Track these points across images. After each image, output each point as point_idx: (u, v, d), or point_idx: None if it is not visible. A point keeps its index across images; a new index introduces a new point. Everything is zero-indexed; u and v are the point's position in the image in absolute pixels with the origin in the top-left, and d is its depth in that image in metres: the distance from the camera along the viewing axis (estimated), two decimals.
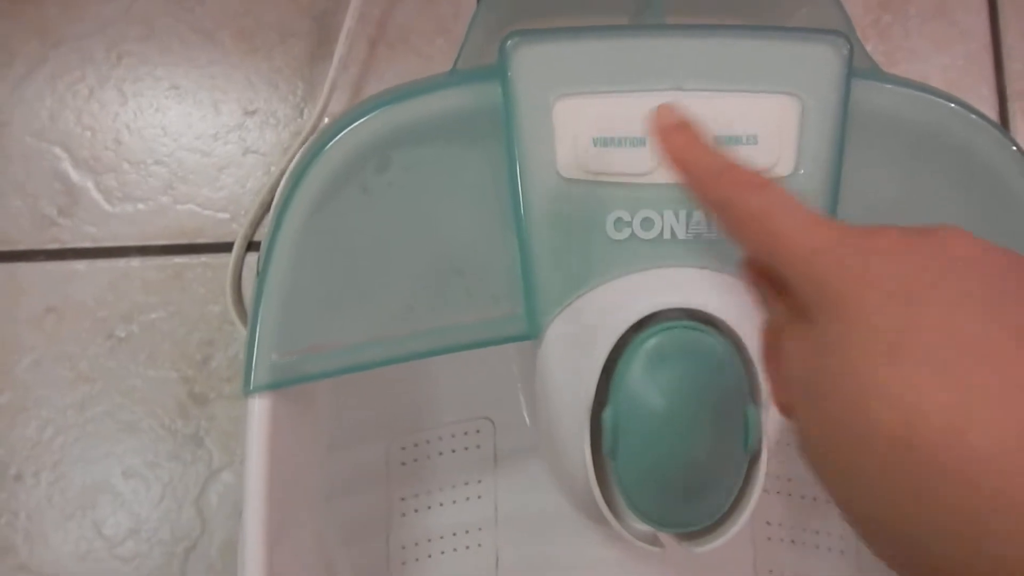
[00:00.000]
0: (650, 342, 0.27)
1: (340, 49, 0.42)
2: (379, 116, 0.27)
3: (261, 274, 0.27)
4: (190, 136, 0.45)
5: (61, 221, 0.43)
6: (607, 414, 0.27)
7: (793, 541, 0.38)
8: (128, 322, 0.43)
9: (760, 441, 0.27)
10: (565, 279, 0.27)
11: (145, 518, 0.42)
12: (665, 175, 0.27)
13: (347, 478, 0.36)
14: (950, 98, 0.28)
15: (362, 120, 0.27)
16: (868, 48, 0.47)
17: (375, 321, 0.27)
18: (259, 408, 0.27)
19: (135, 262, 0.44)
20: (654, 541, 0.28)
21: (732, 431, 0.27)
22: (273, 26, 0.45)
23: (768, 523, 0.38)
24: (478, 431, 0.38)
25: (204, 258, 0.44)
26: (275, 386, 0.27)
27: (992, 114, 0.47)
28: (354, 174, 0.27)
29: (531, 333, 0.28)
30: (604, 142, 0.27)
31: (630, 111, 0.27)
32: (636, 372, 0.27)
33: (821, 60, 0.27)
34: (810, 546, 0.38)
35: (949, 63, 0.47)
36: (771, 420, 0.28)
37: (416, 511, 0.37)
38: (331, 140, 0.27)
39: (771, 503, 0.38)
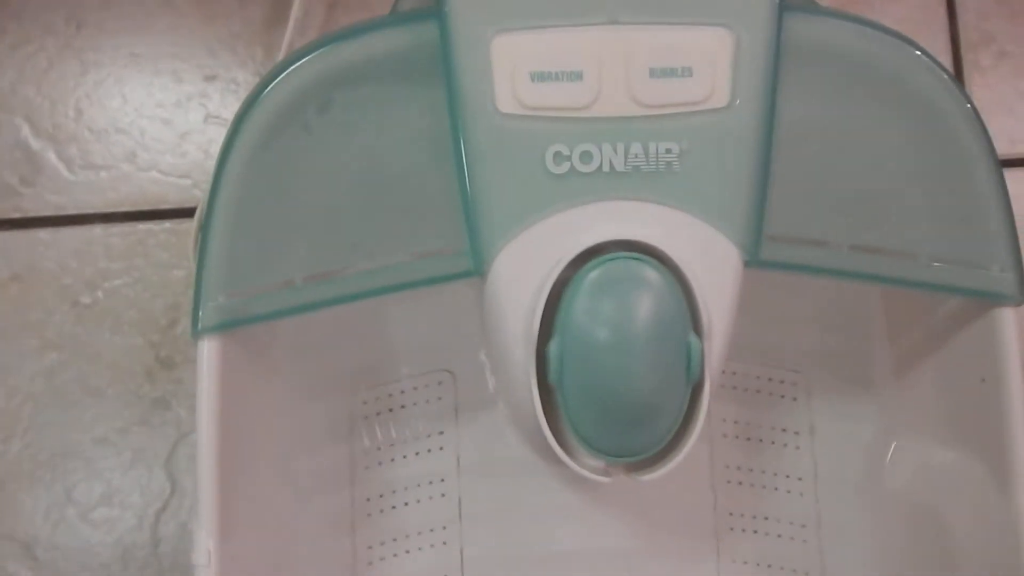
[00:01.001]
0: (592, 273, 0.27)
1: (295, 12, 0.43)
2: (319, 57, 0.27)
3: (206, 216, 0.27)
4: (151, 104, 0.45)
5: (23, 190, 0.44)
6: (552, 345, 0.27)
7: (752, 484, 0.39)
8: (93, 289, 0.43)
9: (702, 371, 0.28)
10: (507, 214, 0.27)
11: (116, 483, 0.42)
12: (603, 108, 0.27)
13: (308, 432, 0.37)
14: (882, 28, 0.29)
15: (302, 62, 0.27)
16: (825, 0, 0.47)
17: (321, 260, 0.28)
18: (208, 350, 0.28)
19: (98, 229, 0.44)
20: (603, 473, 0.29)
21: (674, 360, 0.27)
22: None
23: (727, 466, 0.38)
24: (439, 383, 0.38)
25: (168, 224, 0.44)
26: (223, 327, 0.27)
27: (947, 63, 0.47)
28: (295, 114, 0.27)
29: (476, 269, 0.28)
30: (542, 76, 0.27)
31: (567, 45, 0.27)
32: (579, 303, 0.27)
33: None
34: (769, 488, 0.39)
35: (905, 15, 0.48)
36: (714, 352, 0.28)
37: (379, 464, 0.38)
38: (271, 82, 0.27)
39: (729, 446, 0.38)
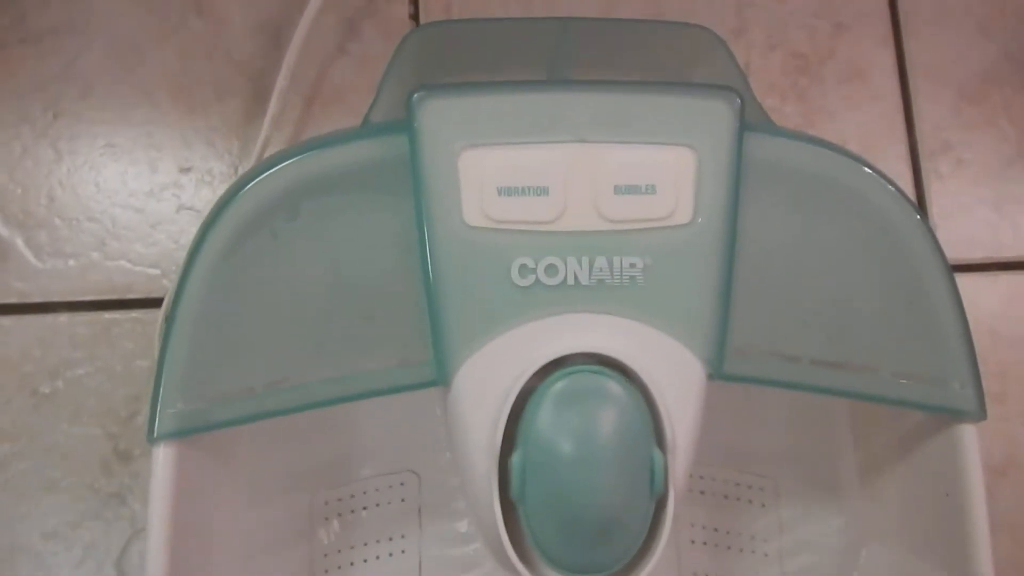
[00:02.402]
0: (555, 386, 0.27)
1: (272, 108, 0.43)
2: (289, 167, 0.28)
3: (168, 319, 0.27)
4: (124, 193, 0.45)
5: None
6: (515, 458, 0.27)
7: None
8: (54, 378, 0.43)
9: (666, 485, 0.28)
10: (472, 325, 0.28)
11: None
12: (568, 223, 0.27)
13: (268, 534, 0.36)
14: (837, 148, 0.29)
15: (272, 170, 0.28)
16: (787, 110, 0.49)
17: (283, 368, 0.27)
18: (162, 457, 0.27)
19: (63, 318, 0.43)
20: None
21: (638, 475, 0.27)
22: (210, 84, 0.46)
23: (695, 574, 0.38)
24: (402, 484, 0.37)
25: (134, 314, 0.44)
26: (180, 434, 0.27)
27: (906, 171, 0.49)
28: (264, 221, 0.27)
29: (440, 380, 0.28)
30: (509, 191, 0.27)
31: (534, 161, 0.28)
32: (542, 416, 0.27)
33: (714, 114, 0.28)
34: None
35: (864, 121, 0.49)
36: (678, 466, 0.28)
37: (339, 567, 0.37)
38: (241, 189, 0.27)
39: (697, 552, 0.38)
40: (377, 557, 0.37)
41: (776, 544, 0.38)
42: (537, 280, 0.28)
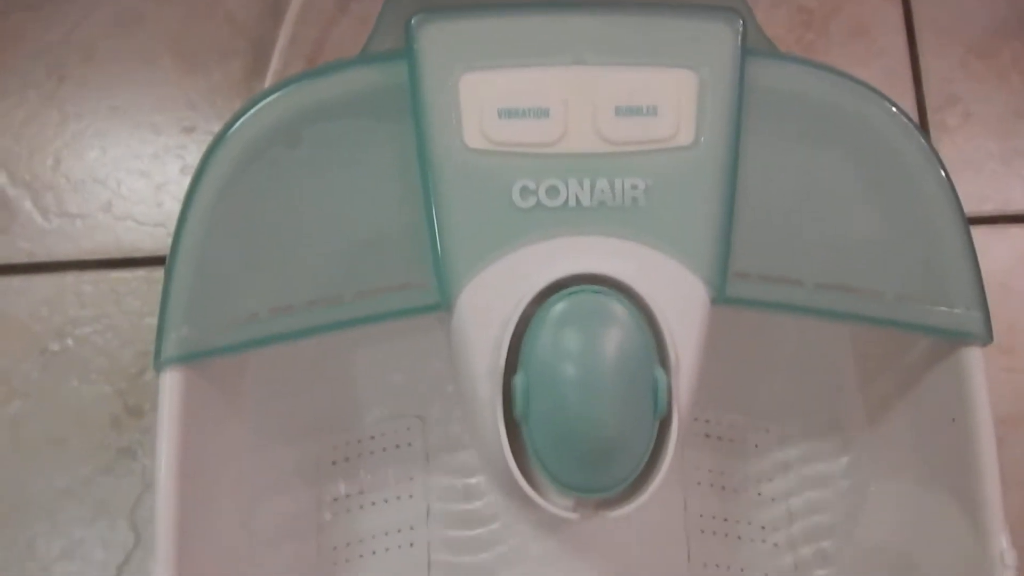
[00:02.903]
0: (557, 307, 0.27)
1: (274, 67, 0.43)
2: (289, 94, 0.28)
3: (172, 248, 0.27)
4: (129, 156, 0.45)
5: None
6: (518, 379, 0.27)
7: (727, 535, 0.38)
8: (62, 337, 0.43)
9: (669, 405, 0.28)
10: (473, 249, 0.28)
11: (78, 536, 0.41)
12: (569, 144, 0.28)
13: (275, 478, 0.36)
14: (840, 72, 0.29)
15: (272, 98, 0.28)
16: None
17: (287, 293, 0.28)
18: (169, 381, 0.27)
19: (71, 277, 0.44)
20: (571, 510, 0.28)
21: (641, 394, 0.27)
22: (212, 46, 0.46)
23: (701, 515, 0.38)
24: (408, 429, 0.37)
25: (141, 272, 0.44)
26: (186, 358, 0.27)
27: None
28: (264, 150, 0.28)
29: (442, 303, 0.28)
30: (509, 113, 0.27)
31: (535, 83, 0.28)
32: (545, 336, 0.27)
33: (716, 36, 0.28)
34: (745, 538, 0.38)
35: (870, 76, 0.49)
36: (682, 387, 0.28)
37: (348, 511, 0.37)
38: (241, 117, 0.27)
39: (704, 495, 0.38)
40: (386, 501, 0.37)
41: (783, 484, 0.38)
42: (538, 202, 0.28)
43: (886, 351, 0.34)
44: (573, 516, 0.28)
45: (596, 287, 0.27)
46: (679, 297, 0.28)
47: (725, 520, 0.38)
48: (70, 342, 0.43)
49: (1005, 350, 0.46)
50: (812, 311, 0.29)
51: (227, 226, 0.27)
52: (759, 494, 0.38)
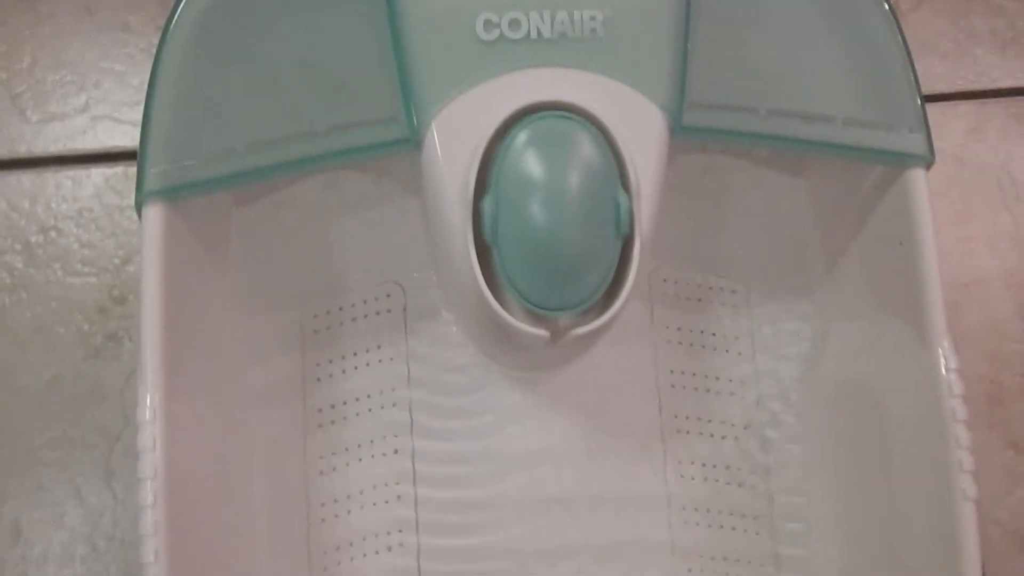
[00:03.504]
0: (523, 132, 0.28)
1: None
2: None
3: (149, 88, 0.28)
4: (103, 56, 0.46)
5: None
6: (486, 202, 0.28)
7: (696, 388, 0.39)
8: (45, 230, 0.44)
9: (631, 226, 0.29)
10: (440, 81, 0.29)
11: (69, 420, 0.42)
12: None
13: (260, 344, 0.37)
14: None
15: None
16: None
17: (262, 127, 0.29)
18: (151, 216, 0.28)
19: (50, 173, 0.44)
20: (541, 331, 0.29)
21: (604, 215, 0.29)
22: None
23: (671, 371, 0.39)
24: (388, 296, 0.39)
25: (119, 168, 0.45)
26: (167, 192, 0.28)
27: None
28: None
29: (412, 137, 0.29)
30: None
31: None
32: (512, 160, 0.28)
33: None
34: (712, 392, 0.40)
35: None
36: (643, 210, 0.30)
37: (331, 376, 0.38)
38: None
39: (673, 351, 0.39)
40: (368, 365, 0.38)
41: (748, 338, 0.40)
42: (501, 35, 0.29)
43: (840, 192, 0.36)
44: (543, 334, 0.29)
45: (559, 113, 0.29)
46: (638, 124, 0.29)
47: (694, 375, 0.40)
48: (53, 235, 0.44)
49: (959, 220, 0.48)
50: (766, 138, 0.31)
51: (202, 64, 0.28)
52: (727, 350, 0.40)
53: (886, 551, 0.34)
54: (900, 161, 0.31)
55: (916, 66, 0.48)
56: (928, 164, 0.31)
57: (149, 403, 0.28)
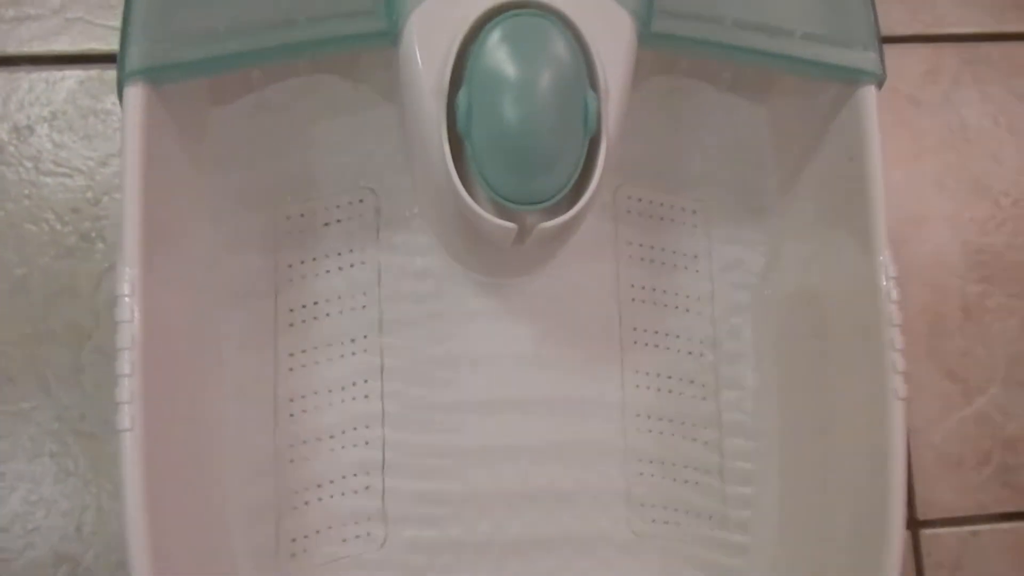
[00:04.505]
0: (498, 28, 0.30)
1: None
2: None
3: None
4: None
5: None
6: (461, 95, 0.30)
7: (655, 303, 0.41)
8: (18, 130, 0.44)
9: (598, 124, 0.30)
10: None
11: (39, 317, 0.43)
12: None
13: (234, 241, 0.38)
14: None
15: None
16: None
17: (243, 11, 0.29)
18: (133, 96, 0.29)
19: (23, 72, 0.44)
20: (509, 223, 0.31)
21: (573, 113, 0.30)
22: None
23: (632, 285, 0.41)
24: (361, 201, 0.40)
25: (94, 71, 0.45)
26: (148, 71, 0.29)
27: None
28: None
29: (389, 29, 0.30)
30: None
31: None
32: (486, 53, 0.29)
33: None
34: (671, 307, 0.41)
35: None
36: (611, 111, 0.31)
37: (303, 277, 0.39)
38: None
39: (634, 266, 0.41)
40: (339, 268, 0.40)
41: (706, 262, 0.41)
42: None
43: (797, 114, 0.37)
44: (511, 226, 0.31)
45: (532, 11, 0.30)
46: (609, 27, 0.31)
47: (654, 290, 0.41)
48: (26, 134, 0.44)
49: (910, 158, 0.50)
50: (730, 48, 0.32)
51: None
52: (685, 267, 0.42)
53: (823, 447, 0.36)
54: (854, 77, 0.33)
55: (877, 10, 0.50)
56: (879, 81, 0.33)
57: (128, 277, 0.28)
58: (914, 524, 0.46)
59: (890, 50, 0.51)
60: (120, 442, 0.28)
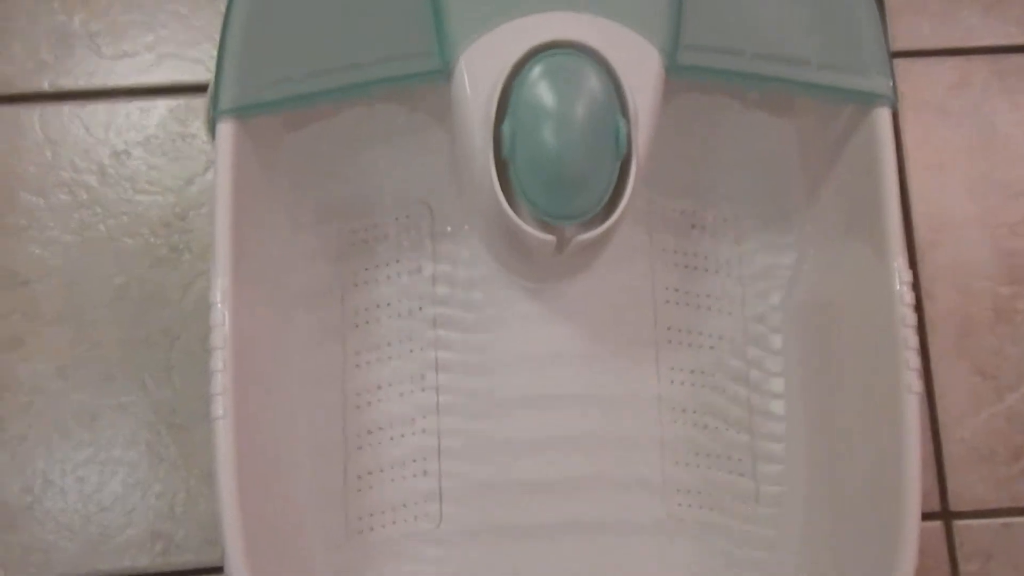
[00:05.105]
0: (538, 66, 0.33)
1: None
2: None
3: (224, 25, 0.34)
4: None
5: (57, 67, 0.50)
6: (505, 125, 0.34)
7: (688, 304, 0.45)
8: (116, 154, 0.49)
9: (629, 148, 0.34)
10: (467, 21, 0.34)
11: (136, 320, 0.48)
12: None
13: (306, 252, 0.43)
14: None
15: None
16: None
17: (316, 58, 0.34)
18: (224, 131, 0.34)
19: (121, 104, 0.50)
20: (548, 236, 0.35)
21: (605, 139, 0.34)
22: None
23: (667, 288, 0.44)
24: (418, 215, 0.44)
25: (182, 100, 0.50)
26: (237, 111, 0.34)
27: None
28: None
29: (443, 68, 0.34)
30: None
31: None
32: (528, 87, 0.33)
33: None
34: (703, 308, 0.45)
35: None
36: (640, 136, 0.34)
37: (366, 283, 0.44)
38: None
39: (669, 271, 0.45)
40: (398, 275, 0.44)
41: (737, 264, 0.45)
42: None
43: (819, 130, 0.40)
44: (550, 239, 0.34)
45: (569, 50, 0.34)
46: (638, 62, 0.34)
47: (687, 293, 0.45)
48: (123, 158, 0.49)
49: (940, 166, 0.52)
50: (751, 77, 0.35)
51: (267, 5, 0.34)
52: (716, 272, 0.45)
53: (845, 442, 0.39)
54: (868, 100, 0.36)
55: (904, 25, 0.52)
56: (892, 104, 0.36)
57: (219, 286, 0.33)
58: (946, 515, 0.48)
59: (919, 63, 0.53)
60: (213, 429, 0.33)
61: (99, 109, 0.50)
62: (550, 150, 0.33)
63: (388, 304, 0.44)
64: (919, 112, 0.52)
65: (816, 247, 0.42)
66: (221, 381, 0.33)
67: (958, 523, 0.48)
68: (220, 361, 0.33)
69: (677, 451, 0.43)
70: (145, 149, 0.50)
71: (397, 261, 0.44)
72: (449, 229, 0.44)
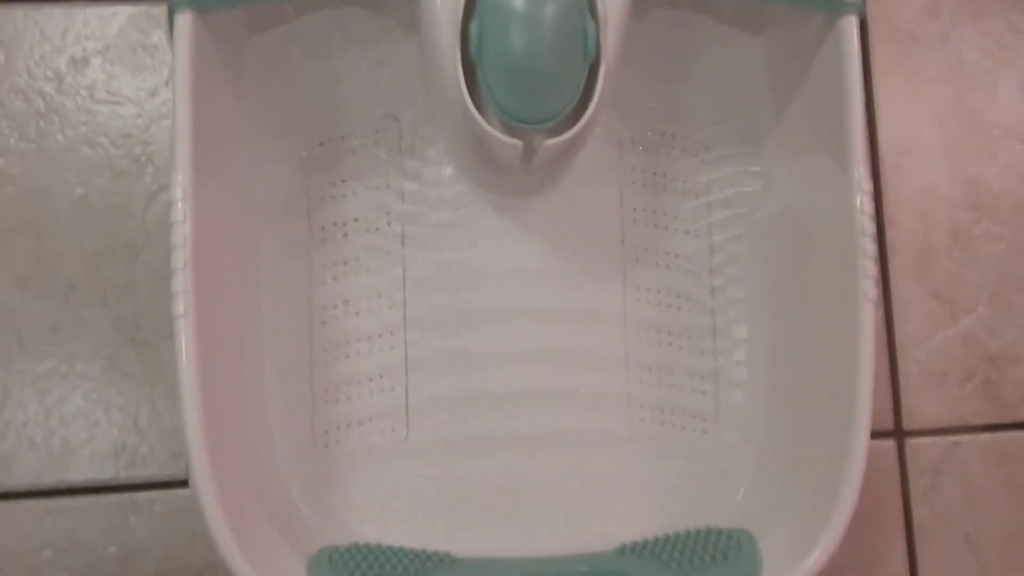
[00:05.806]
0: None
1: None
2: None
3: None
4: None
5: None
6: (473, 25, 0.33)
7: (655, 225, 0.45)
8: (74, 61, 0.48)
9: (597, 51, 0.34)
10: None
11: (98, 232, 0.47)
12: None
13: (270, 162, 0.42)
14: None
15: None
16: None
17: None
18: (183, 22, 0.33)
19: (80, 8, 0.48)
20: (515, 141, 0.34)
21: (573, 40, 0.33)
22: None
23: (635, 209, 0.44)
24: (385, 129, 0.43)
25: (143, 7, 0.49)
26: (195, 1, 0.33)
27: None
28: None
29: None
30: None
31: None
32: None
33: None
34: (671, 229, 0.45)
35: None
36: (608, 39, 0.34)
37: (332, 197, 0.43)
38: None
39: (637, 192, 0.44)
40: (366, 190, 0.43)
41: (705, 183, 0.45)
42: None
43: (788, 45, 0.40)
44: (517, 143, 0.34)
45: None
46: None
47: (655, 213, 0.45)
48: (81, 66, 0.48)
49: (907, 92, 0.52)
50: None
51: None
52: (684, 191, 0.45)
53: (805, 357, 0.40)
54: (836, 8, 0.36)
55: None
56: (859, 11, 0.36)
57: (180, 183, 0.33)
58: (899, 433, 0.49)
59: None
60: (174, 328, 0.33)
61: (56, 13, 0.48)
62: (517, 50, 0.33)
63: (355, 220, 0.43)
64: (888, 39, 0.52)
65: (783, 165, 0.42)
66: (182, 280, 0.32)
67: (910, 441, 0.49)
68: (181, 260, 0.32)
69: (642, 368, 0.44)
70: (104, 58, 0.48)
71: (365, 176, 0.43)
72: (417, 143, 0.43)
